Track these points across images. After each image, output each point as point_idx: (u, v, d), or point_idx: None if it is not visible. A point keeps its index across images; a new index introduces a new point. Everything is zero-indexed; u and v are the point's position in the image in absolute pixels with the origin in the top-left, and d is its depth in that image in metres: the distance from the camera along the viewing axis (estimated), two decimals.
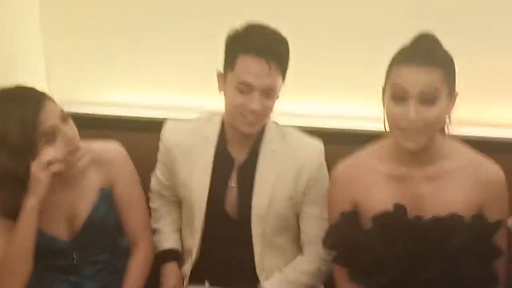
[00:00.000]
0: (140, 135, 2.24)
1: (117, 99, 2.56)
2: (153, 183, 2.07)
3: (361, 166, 1.79)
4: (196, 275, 2.00)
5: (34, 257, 1.78)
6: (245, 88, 1.73)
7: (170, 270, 1.98)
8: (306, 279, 1.91)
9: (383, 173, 1.74)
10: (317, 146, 1.92)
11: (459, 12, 2.20)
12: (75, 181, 1.87)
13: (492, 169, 1.72)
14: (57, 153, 1.68)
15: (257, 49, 1.70)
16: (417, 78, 1.56)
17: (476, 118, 2.23)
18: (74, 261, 1.90)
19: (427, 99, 1.57)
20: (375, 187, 1.74)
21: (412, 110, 1.56)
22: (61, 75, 2.57)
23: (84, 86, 2.57)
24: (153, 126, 2.05)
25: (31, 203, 1.71)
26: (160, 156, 2.00)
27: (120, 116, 2.48)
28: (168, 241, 2.02)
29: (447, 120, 1.70)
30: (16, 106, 1.67)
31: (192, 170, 1.90)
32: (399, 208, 1.68)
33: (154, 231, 2.03)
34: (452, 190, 1.70)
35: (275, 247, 1.93)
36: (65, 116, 1.73)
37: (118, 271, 1.97)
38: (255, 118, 1.77)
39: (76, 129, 1.76)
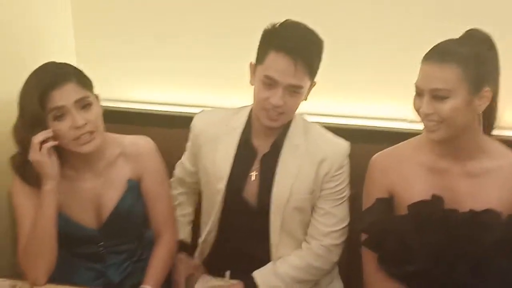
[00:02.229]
0: (168, 131, 2.27)
1: (148, 97, 2.60)
2: (177, 170, 2.11)
3: (400, 155, 1.80)
4: (212, 264, 2.04)
5: (61, 243, 1.81)
6: (270, 83, 1.76)
7: (179, 259, 2.02)
8: (295, 273, 1.91)
9: (422, 164, 1.76)
10: (342, 145, 1.93)
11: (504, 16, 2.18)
12: (104, 170, 1.90)
13: None
14: (48, 133, 1.72)
15: (287, 48, 1.73)
16: (427, 76, 1.62)
17: None
18: (100, 250, 1.91)
19: (439, 95, 1.61)
20: (413, 177, 1.75)
21: (424, 106, 1.63)
22: (93, 74, 2.59)
23: (114, 84, 2.59)
24: (182, 122, 2.09)
25: (46, 186, 1.75)
26: (188, 143, 2.04)
27: (150, 111, 2.53)
28: (180, 232, 2.06)
29: (495, 114, 1.72)
30: (37, 77, 1.74)
31: (215, 157, 1.92)
32: (437, 199, 1.69)
33: None
34: (491, 188, 1.69)
35: (292, 239, 1.94)
36: (85, 104, 1.76)
37: (142, 261, 1.98)
38: (276, 114, 1.80)
39: (95, 119, 1.78)
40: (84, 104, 1.76)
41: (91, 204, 1.89)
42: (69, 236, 1.84)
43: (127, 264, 1.96)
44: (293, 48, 1.74)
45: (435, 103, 1.61)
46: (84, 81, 1.79)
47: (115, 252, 1.94)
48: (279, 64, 1.74)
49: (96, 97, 1.83)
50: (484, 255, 1.64)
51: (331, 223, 1.92)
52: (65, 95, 1.72)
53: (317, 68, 1.82)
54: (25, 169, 1.78)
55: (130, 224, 1.94)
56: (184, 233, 2.08)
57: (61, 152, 1.79)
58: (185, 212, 2.10)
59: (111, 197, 1.90)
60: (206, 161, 1.95)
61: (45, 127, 1.73)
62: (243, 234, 1.95)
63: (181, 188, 2.11)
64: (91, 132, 1.77)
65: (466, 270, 1.65)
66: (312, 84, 1.85)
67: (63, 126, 1.73)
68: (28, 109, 1.72)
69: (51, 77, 1.73)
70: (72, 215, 1.86)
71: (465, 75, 1.59)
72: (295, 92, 1.78)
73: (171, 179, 2.10)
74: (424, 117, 1.64)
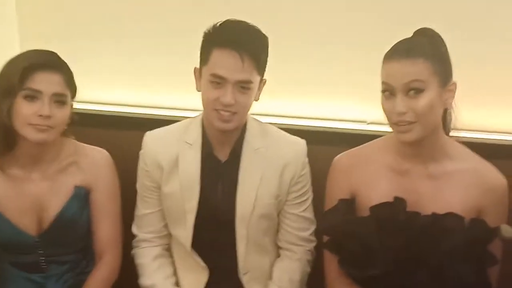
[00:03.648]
0: (119, 133, 2.21)
1: (99, 98, 2.50)
2: (140, 220, 1.93)
3: (364, 156, 1.78)
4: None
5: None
6: (218, 81, 1.69)
7: None
8: (299, 286, 1.90)
9: (385, 165, 1.73)
10: (300, 144, 1.88)
11: (458, 16, 2.17)
12: (53, 175, 1.83)
13: (495, 175, 1.70)
14: None
15: (231, 43, 1.67)
16: (399, 72, 1.58)
17: (479, 124, 2.19)
18: (40, 259, 1.83)
19: (413, 90, 1.57)
20: (375, 178, 1.72)
21: (398, 104, 1.57)
22: None
23: None
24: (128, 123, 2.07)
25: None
26: (143, 167, 1.89)
27: (100, 112, 2.43)
28: None
29: (452, 116, 1.70)
30: (33, 53, 1.74)
31: (181, 176, 1.82)
32: (399, 201, 1.65)
33: None
34: (453, 191, 1.67)
35: (258, 247, 1.87)
36: (61, 101, 1.73)
37: (86, 274, 1.89)
38: (229, 114, 1.72)
39: (61, 118, 1.75)
40: (59, 100, 1.73)
41: (34, 208, 1.80)
42: (7, 242, 1.79)
43: (69, 275, 1.88)
44: (237, 41, 1.67)
45: (409, 101, 1.57)
46: (70, 82, 1.77)
47: (56, 262, 1.85)
48: (225, 60, 1.67)
49: (71, 105, 1.80)
50: (445, 260, 1.61)
51: (306, 226, 1.88)
52: (48, 82, 1.70)
53: (264, 63, 1.76)
54: None
55: (73, 234, 1.85)
56: None
57: (13, 148, 1.76)
58: (164, 274, 1.89)
59: (56, 203, 1.81)
60: (172, 184, 1.83)
61: (12, 101, 1.69)
62: (210, 247, 1.86)
63: (150, 253, 1.91)
64: (49, 126, 1.72)
65: (426, 274, 1.63)
66: (262, 81, 1.78)
67: (29, 109, 1.69)
68: (8, 77, 1.69)
69: (45, 59, 1.72)
70: (11, 219, 1.78)
71: (434, 68, 1.57)
72: (245, 88, 1.71)
73: (134, 242, 1.94)
74: (398, 117, 1.58)
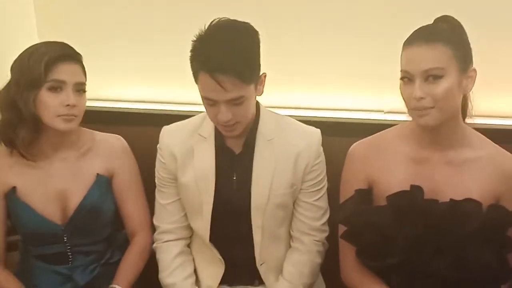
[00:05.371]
0: (136, 129, 2.22)
1: (112, 95, 2.53)
2: (160, 211, 1.93)
3: (380, 144, 1.76)
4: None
5: (24, 242, 1.88)
6: (210, 102, 1.69)
7: None
8: (309, 279, 1.90)
9: (402, 154, 1.72)
10: (315, 133, 1.88)
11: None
12: (73, 162, 1.88)
13: None
14: None
15: (210, 69, 1.63)
16: (417, 57, 1.57)
17: (493, 110, 2.18)
18: (66, 250, 1.86)
19: (432, 75, 1.56)
20: (392, 167, 1.71)
21: (417, 89, 1.56)
22: None
23: None
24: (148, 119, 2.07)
25: None
26: (160, 166, 1.91)
27: (115, 109, 2.47)
28: None
29: (469, 103, 1.69)
30: (50, 46, 1.78)
31: (196, 169, 1.84)
32: (416, 189, 1.65)
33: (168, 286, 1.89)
34: (471, 178, 1.66)
35: (275, 238, 1.88)
36: (81, 89, 1.81)
37: (111, 265, 1.92)
38: (232, 126, 1.73)
39: (83, 106, 1.82)
40: (80, 89, 1.81)
41: (58, 196, 1.85)
42: (33, 232, 1.83)
43: (94, 266, 1.91)
44: (216, 68, 1.61)
45: (428, 86, 1.56)
46: (84, 71, 1.85)
47: (81, 252, 1.89)
48: (209, 86, 1.64)
49: None
50: (465, 246, 1.60)
51: (318, 216, 1.88)
52: (70, 72, 1.78)
53: (253, 68, 1.69)
54: (9, 134, 1.79)
55: (98, 221, 1.89)
56: None
57: (38, 137, 1.81)
58: (185, 274, 1.90)
59: (78, 190, 1.86)
60: (186, 174, 1.85)
61: (37, 93, 1.75)
62: (227, 239, 1.87)
63: (172, 249, 1.91)
64: (74, 115, 1.79)
65: (447, 261, 1.61)
66: (260, 79, 1.73)
67: (55, 100, 1.76)
68: (31, 70, 1.74)
69: (63, 51, 1.79)
70: (37, 208, 1.83)
71: (454, 53, 1.57)
72: (238, 102, 1.69)
73: (156, 235, 1.95)
74: (416, 102, 1.57)
